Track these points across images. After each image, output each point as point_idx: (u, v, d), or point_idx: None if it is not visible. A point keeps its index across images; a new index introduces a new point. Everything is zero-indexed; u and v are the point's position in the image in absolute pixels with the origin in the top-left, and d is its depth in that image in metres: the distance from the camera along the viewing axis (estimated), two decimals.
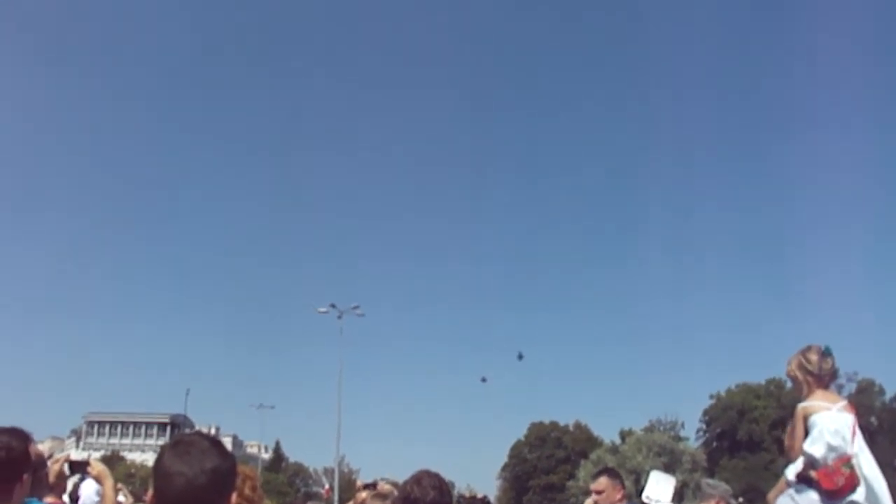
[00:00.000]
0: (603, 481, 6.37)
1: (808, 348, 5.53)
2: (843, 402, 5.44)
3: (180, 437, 2.79)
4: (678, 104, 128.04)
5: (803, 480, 5.26)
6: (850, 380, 69.21)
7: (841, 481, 5.10)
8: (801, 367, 5.42)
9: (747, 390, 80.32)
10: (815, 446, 5.20)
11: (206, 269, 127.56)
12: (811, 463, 5.21)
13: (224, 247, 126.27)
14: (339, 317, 51.01)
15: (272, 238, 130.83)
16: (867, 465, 5.23)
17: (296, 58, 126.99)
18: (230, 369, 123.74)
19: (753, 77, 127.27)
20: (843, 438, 5.22)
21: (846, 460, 5.14)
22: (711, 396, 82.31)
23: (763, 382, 78.63)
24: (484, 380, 54.68)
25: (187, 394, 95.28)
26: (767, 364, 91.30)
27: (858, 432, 5.27)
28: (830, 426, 5.22)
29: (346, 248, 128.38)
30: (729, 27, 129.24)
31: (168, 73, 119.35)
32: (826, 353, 5.48)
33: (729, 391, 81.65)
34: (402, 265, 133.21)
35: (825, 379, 5.49)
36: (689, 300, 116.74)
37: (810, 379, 5.47)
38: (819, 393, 5.46)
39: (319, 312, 51.84)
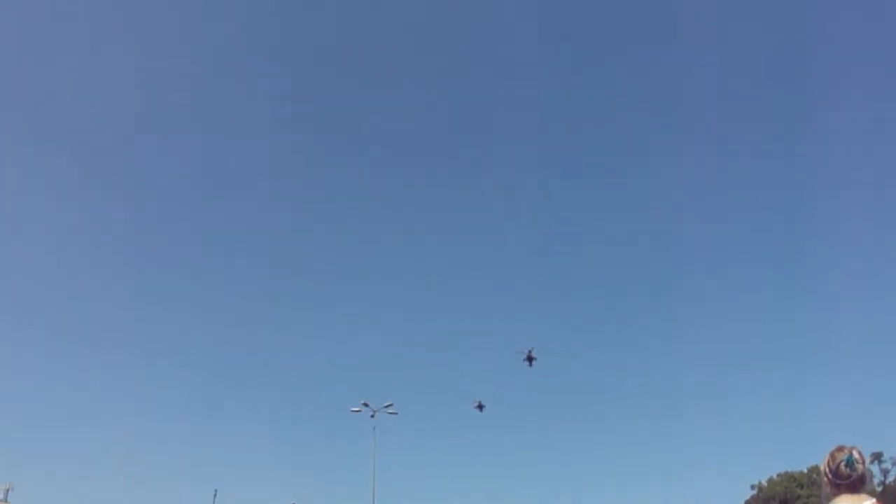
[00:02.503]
0: None
1: (839, 449, 5.97)
2: (871, 501, 5.73)
3: None
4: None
5: None
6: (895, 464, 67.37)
7: None
8: (827, 467, 5.87)
9: (790, 479, 78.23)
10: None
11: (239, 371, 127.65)
12: None
13: (255, 345, 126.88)
14: (373, 415, 51.37)
15: (305, 336, 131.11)
16: None
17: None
18: (261, 470, 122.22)
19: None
20: None
21: None
22: (753, 487, 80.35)
23: (805, 471, 76.65)
24: (480, 407, 56.14)
25: (215, 495, 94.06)
26: (810, 451, 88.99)
27: None
28: None
29: (378, 346, 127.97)
30: None
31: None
32: (848, 464, 5.90)
33: (771, 481, 79.58)
34: (435, 360, 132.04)
35: (853, 484, 5.84)
36: (729, 389, 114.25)
37: (832, 481, 5.86)
38: (844, 497, 5.81)
39: (353, 412, 52.32)
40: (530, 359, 54.84)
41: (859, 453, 6.21)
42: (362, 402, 51.98)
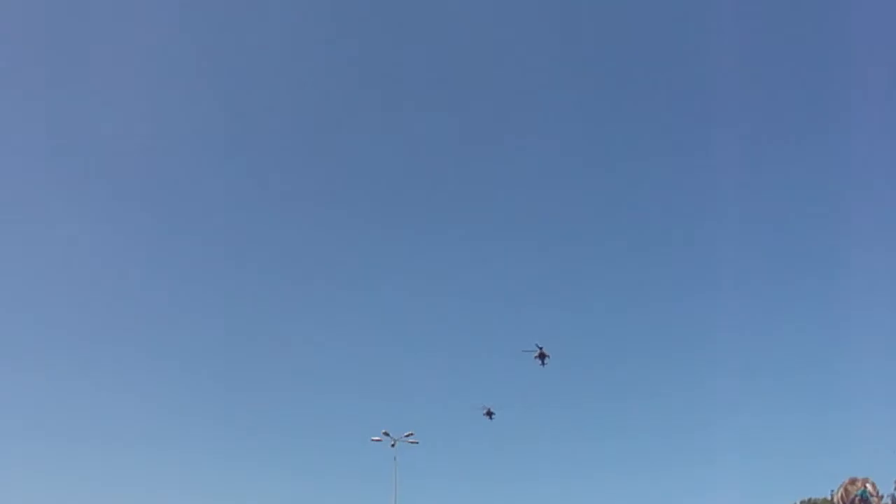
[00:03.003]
0: None
1: (852, 482, 6.12)
2: None
3: None
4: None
5: None
6: None
7: None
8: (840, 501, 6.01)
9: None
10: None
11: (254, 398, 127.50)
12: None
13: (272, 374, 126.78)
14: (393, 445, 51.61)
15: (323, 365, 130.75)
16: None
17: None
18: (278, 499, 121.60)
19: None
20: None
21: None
22: None
23: (829, 496, 75.50)
24: (489, 414, 54.21)
25: None
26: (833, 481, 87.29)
27: None
28: None
29: (399, 375, 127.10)
30: None
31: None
32: (863, 498, 5.96)
33: None
34: (456, 393, 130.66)
35: None
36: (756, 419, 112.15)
37: None
38: None
39: (373, 441, 52.51)
40: (542, 356, 52.18)
41: (873, 485, 6.18)
42: (382, 431, 52.30)
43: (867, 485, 6.20)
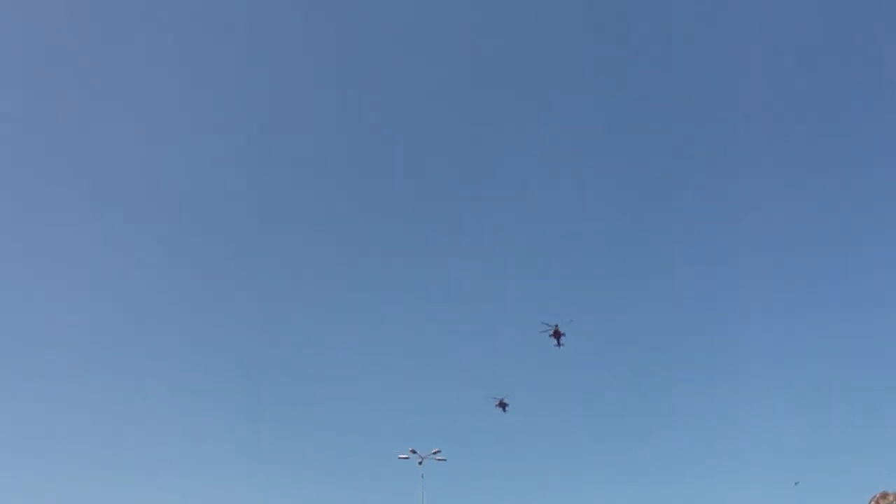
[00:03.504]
0: None
1: (884, 496, 6.44)
2: None
3: None
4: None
5: None
6: None
7: None
8: None
9: None
10: None
11: (279, 414, 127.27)
12: None
13: (299, 391, 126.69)
14: (420, 462, 51.95)
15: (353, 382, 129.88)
16: None
17: None
18: None
19: None
20: None
21: None
22: None
23: None
24: (503, 406, 52.83)
25: None
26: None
27: None
28: None
29: (427, 392, 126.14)
30: None
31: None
32: None
33: None
34: (483, 409, 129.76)
35: None
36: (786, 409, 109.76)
37: None
38: None
39: (400, 459, 52.86)
40: (557, 335, 50.28)
41: None
42: (410, 448, 52.71)
43: None
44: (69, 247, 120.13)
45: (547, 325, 50.80)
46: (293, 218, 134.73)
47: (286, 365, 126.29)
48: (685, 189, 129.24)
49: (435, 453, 52.34)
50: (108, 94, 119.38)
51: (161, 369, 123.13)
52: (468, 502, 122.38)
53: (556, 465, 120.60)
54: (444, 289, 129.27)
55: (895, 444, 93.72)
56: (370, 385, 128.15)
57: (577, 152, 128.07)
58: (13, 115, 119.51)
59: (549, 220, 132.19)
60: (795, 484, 52.88)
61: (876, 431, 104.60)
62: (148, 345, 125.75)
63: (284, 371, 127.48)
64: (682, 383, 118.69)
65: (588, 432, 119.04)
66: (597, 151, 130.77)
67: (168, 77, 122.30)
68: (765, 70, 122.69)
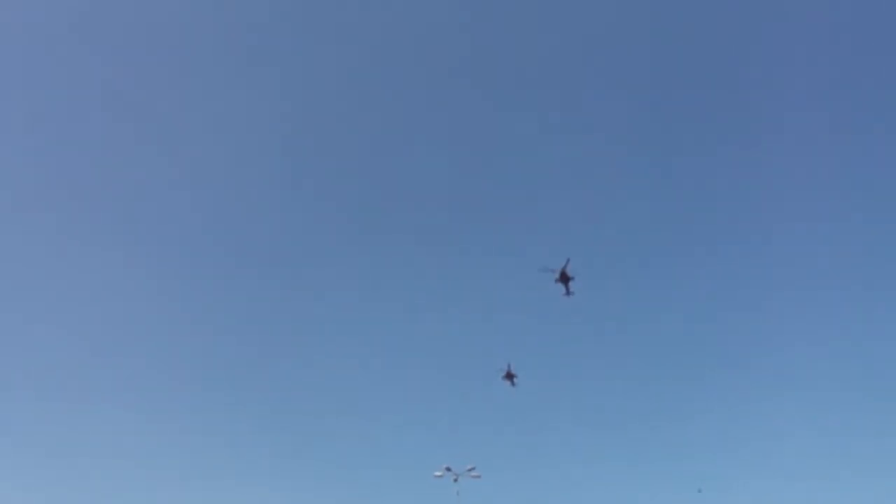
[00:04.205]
0: None
1: None
2: None
3: None
4: None
5: None
6: None
7: None
8: None
9: None
10: None
11: (315, 431, 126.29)
12: None
13: (333, 407, 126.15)
14: (455, 480, 51.48)
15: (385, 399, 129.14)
16: None
17: None
18: None
19: None
20: None
21: None
22: None
23: None
24: (510, 377, 49.98)
25: None
26: None
27: None
28: None
29: (462, 409, 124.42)
30: None
31: None
32: None
33: None
34: (519, 427, 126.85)
35: None
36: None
37: None
38: None
39: (435, 476, 52.37)
40: (566, 279, 43.61)
41: None
42: (444, 466, 52.24)
43: None
44: (69, 246, 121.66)
45: (551, 269, 44.13)
46: (323, 229, 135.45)
47: (318, 380, 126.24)
48: (702, 191, 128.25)
49: (470, 470, 51.86)
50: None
51: (198, 394, 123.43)
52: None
53: (593, 476, 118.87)
54: (481, 300, 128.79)
55: None
56: (403, 399, 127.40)
57: (599, 153, 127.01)
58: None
59: (567, 230, 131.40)
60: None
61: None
62: (179, 362, 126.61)
63: (316, 387, 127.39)
64: (722, 386, 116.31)
65: (625, 444, 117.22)
66: (614, 151, 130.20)
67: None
68: (796, 72, 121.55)
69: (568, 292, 44.36)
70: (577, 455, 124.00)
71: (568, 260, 43.79)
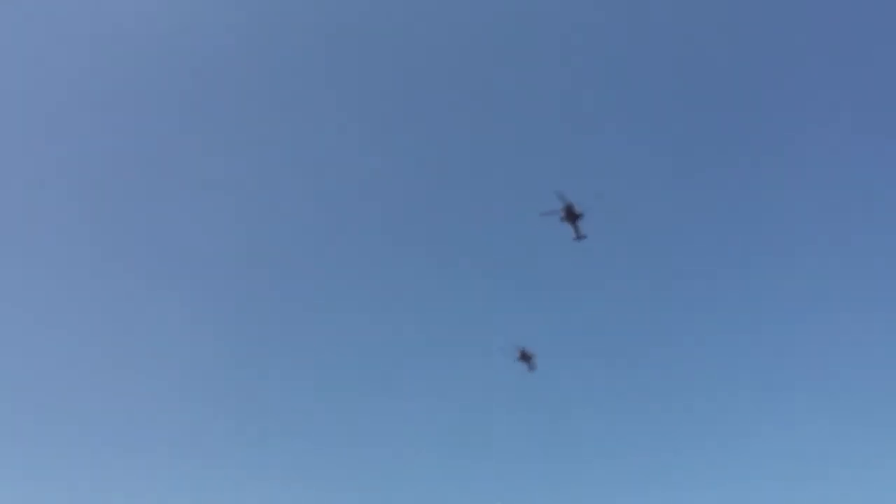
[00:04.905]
0: None
1: None
2: None
3: None
4: None
5: None
6: None
7: None
8: None
9: None
10: None
11: (352, 464, 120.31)
12: None
13: (367, 442, 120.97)
14: None
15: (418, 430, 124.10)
16: None
17: None
18: None
19: None
20: None
21: None
22: None
23: None
24: (526, 358, 42.10)
25: None
26: None
27: None
28: None
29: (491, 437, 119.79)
30: None
31: None
32: None
33: None
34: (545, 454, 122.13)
35: None
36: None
37: None
38: None
39: None
40: (572, 216, 37.56)
41: None
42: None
43: None
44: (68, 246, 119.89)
45: (557, 208, 36.38)
46: (346, 249, 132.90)
47: (353, 420, 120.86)
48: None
49: None
50: None
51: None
52: None
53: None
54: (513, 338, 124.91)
55: None
56: (437, 433, 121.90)
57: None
58: None
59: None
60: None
61: None
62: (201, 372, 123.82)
63: (343, 419, 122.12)
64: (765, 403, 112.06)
65: (660, 466, 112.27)
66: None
67: None
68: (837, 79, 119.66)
69: (578, 235, 37.85)
70: (609, 475, 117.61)
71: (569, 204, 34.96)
